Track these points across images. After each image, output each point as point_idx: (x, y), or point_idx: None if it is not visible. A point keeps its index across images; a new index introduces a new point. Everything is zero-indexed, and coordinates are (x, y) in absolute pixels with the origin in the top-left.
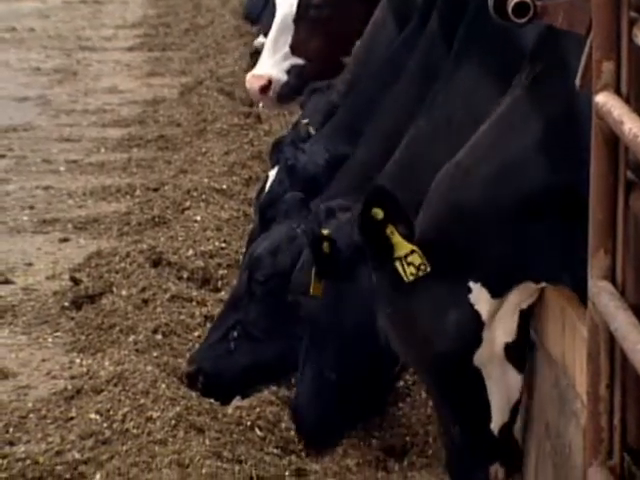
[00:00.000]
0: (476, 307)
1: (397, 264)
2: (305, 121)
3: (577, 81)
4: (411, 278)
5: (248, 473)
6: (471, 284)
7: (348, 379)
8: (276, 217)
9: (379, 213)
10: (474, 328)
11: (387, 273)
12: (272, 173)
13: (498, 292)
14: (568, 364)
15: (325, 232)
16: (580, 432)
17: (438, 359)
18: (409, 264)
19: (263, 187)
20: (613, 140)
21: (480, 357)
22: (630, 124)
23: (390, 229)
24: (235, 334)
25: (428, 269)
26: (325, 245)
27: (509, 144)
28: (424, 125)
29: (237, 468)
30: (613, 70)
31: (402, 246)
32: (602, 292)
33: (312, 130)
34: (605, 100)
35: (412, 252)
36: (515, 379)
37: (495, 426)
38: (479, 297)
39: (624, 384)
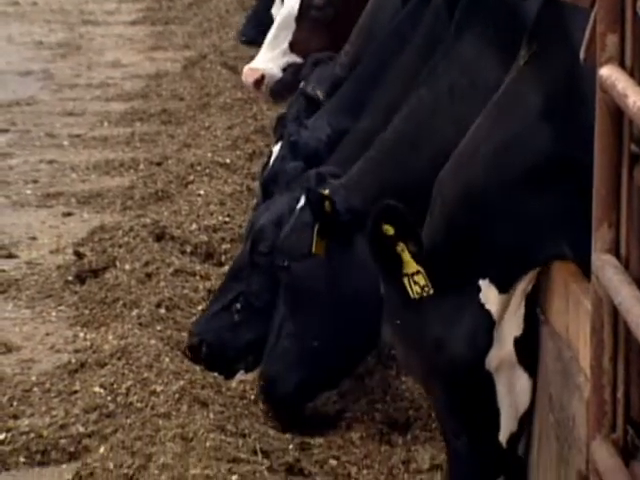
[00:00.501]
0: (487, 306)
1: (405, 280)
2: (312, 85)
3: (581, 54)
4: (416, 296)
5: (252, 446)
6: (480, 282)
7: (331, 347)
8: (277, 190)
9: (390, 230)
10: (486, 328)
11: (396, 286)
12: (276, 148)
13: (506, 286)
14: (572, 338)
15: (325, 192)
16: (583, 405)
17: (451, 365)
18: (415, 282)
19: (267, 162)
20: (617, 113)
21: (491, 359)
22: (634, 97)
23: (401, 247)
24: (238, 306)
25: (431, 291)
26: (326, 204)
27: (511, 123)
28: (425, 95)
29: (241, 442)
30: (617, 43)
31: (410, 264)
32: (606, 266)
33: (321, 94)
34: (609, 73)
35: (418, 272)
36: (525, 384)
37: (503, 436)
38: (488, 295)
39: (627, 357)
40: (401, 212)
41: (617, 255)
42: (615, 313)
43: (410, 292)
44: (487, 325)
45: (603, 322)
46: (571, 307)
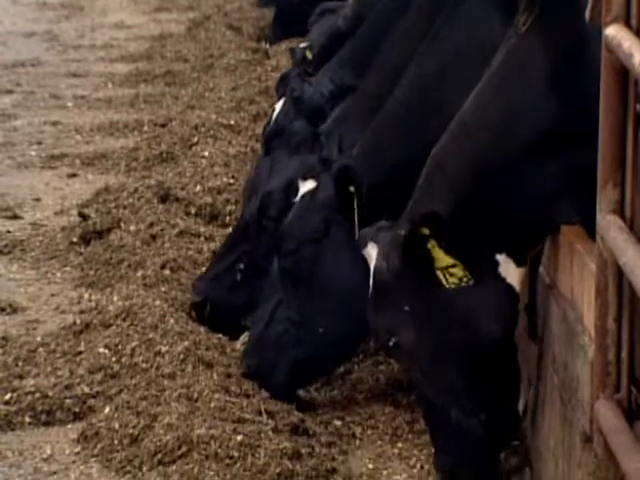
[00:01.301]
0: (508, 280)
1: (439, 273)
2: (303, 45)
3: (586, 14)
4: (452, 286)
5: (256, 407)
6: (497, 257)
7: (335, 333)
8: (280, 146)
9: (425, 230)
10: (511, 302)
11: (423, 277)
12: (278, 105)
13: (523, 259)
14: (576, 299)
15: (351, 189)
16: (587, 366)
17: (481, 342)
18: (451, 275)
19: (269, 120)
20: (622, 73)
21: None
22: None
23: (432, 243)
24: (241, 266)
25: (471, 282)
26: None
27: (517, 91)
28: (428, 59)
29: (245, 402)
30: (623, 3)
31: (443, 259)
32: (611, 226)
33: (309, 54)
34: (615, 33)
35: (454, 265)
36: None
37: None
38: (507, 269)
39: (632, 317)
40: (440, 220)
41: (622, 215)
42: (620, 274)
43: (445, 283)
44: (512, 298)
45: (608, 283)
46: (576, 268)
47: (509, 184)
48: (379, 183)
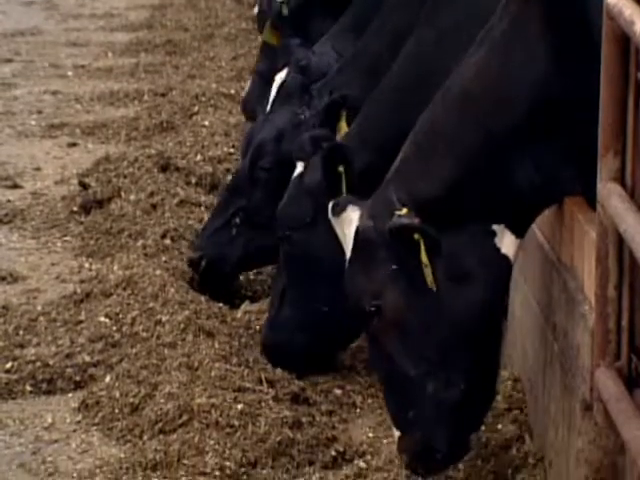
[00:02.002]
0: (503, 251)
1: (423, 266)
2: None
3: None
4: (430, 285)
5: (257, 376)
6: (494, 227)
7: (340, 311)
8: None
9: (417, 222)
10: (504, 272)
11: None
12: (280, 76)
13: (521, 230)
14: (577, 267)
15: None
16: (588, 334)
17: (472, 311)
18: (427, 274)
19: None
20: (624, 41)
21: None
22: None
23: (418, 235)
24: (237, 220)
25: (434, 289)
26: (340, 169)
27: (516, 59)
28: (427, 31)
29: (246, 371)
30: None
31: (424, 254)
32: (611, 194)
33: (285, 10)
34: (616, 1)
35: (426, 266)
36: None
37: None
38: (503, 239)
39: (632, 286)
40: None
41: (622, 184)
42: (620, 242)
43: (427, 278)
44: (505, 269)
45: (608, 251)
46: (576, 237)
47: (511, 153)
48: (374, 163)
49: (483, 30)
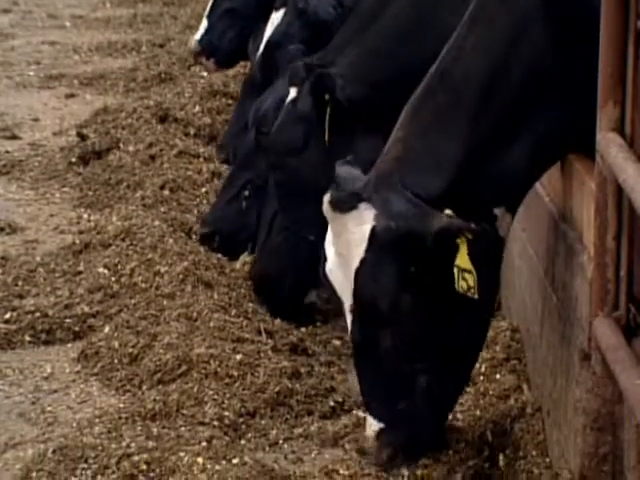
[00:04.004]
0: (500, 234)
1: (455, 269)
2: None
3: None
4: (460, 290)
5: (256, 326)
6: (496, 211)
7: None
8: (279, 63)
9: (461, 224)
10: (501, 250)
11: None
12: (276, 16)
13: (516, 207)
14: (576, 218)
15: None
16: (586, 284)
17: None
18: (464, 279)
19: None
20: None
21: None
22: None
23: (462, 240)
24: (246, 193)
25: (475, 296)
26: (326, 96)
27: (512, 19)
28: None
29: (245, 322)
30: None
31: (465, 260)
32: (611, 144)
33: None
34: None
35: (470, 272)
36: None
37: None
38: (502, 223)
39: (631, 236)
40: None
41: (622, 133)
42: (619, 192)
43: (456, 282)
44: (501, 247)
45: (607, 201)
46: (575, 187)
47: (518, 130)
48: (362, 97)
49: (473, 6)
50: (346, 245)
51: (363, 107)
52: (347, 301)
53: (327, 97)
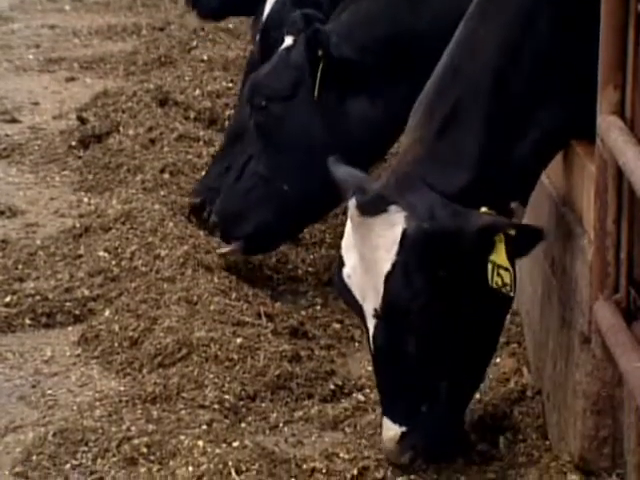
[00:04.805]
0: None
1: (489, 265)
2: None
3: None
4: (494, 286)
5: (256, 310)
6: (512, 205)
7: (298, 193)
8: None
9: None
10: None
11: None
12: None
13: (528, 199)
14: (576, 201)
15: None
16: (586, 268)
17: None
18: (499, 275)
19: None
20: None
21: None
22: None
23: (500, 237)
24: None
25: (511, 293)
26: (319, 51)
27: (522, 10)
28: None
29: (245, 305)
30: None
31: (502, 257)
32: (611, 127)
33: None
34: None
35: (507, 269)
36: None
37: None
38: (517, 216)
39: (631, 219)
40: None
41: (622, 117)
42: (619, 175)
43: (489, 278)
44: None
45: (607, 184)
46: (575, 170)
47: (535, 119)
48: (355, 57)
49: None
50: (374, 249)
51: (355, 67)
52: (370, 305)
53: (320, 53)
